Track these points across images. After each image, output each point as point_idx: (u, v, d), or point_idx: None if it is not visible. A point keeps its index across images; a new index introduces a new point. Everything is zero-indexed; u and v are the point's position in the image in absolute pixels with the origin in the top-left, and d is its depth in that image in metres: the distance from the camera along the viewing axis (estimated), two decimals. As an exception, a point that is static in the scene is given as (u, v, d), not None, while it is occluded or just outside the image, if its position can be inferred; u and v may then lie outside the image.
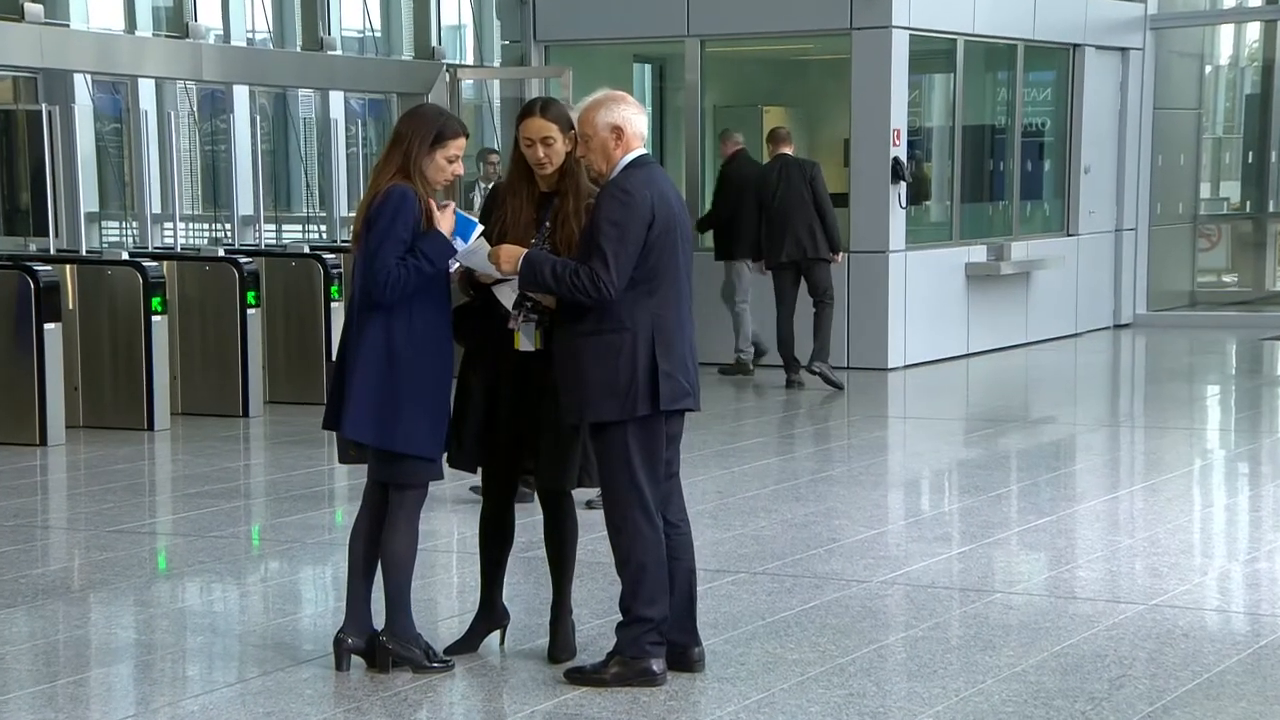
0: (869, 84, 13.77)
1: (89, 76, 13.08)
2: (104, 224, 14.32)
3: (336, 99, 15.03)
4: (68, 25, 12.77)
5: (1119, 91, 16.97)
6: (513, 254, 5.21)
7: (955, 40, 14.71)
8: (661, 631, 5.30)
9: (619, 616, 5.37)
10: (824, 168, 12.79)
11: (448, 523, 7.86)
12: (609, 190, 5.15)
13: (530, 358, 5.39)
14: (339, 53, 14.42)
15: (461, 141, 5.37)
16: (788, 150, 12.68)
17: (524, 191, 5.44)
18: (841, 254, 12.64)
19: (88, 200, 12.86)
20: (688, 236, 5.31)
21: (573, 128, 5.35)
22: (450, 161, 5.35)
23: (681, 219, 5.27)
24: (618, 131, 5.18)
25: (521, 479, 5.74)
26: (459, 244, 5.34)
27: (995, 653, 5.73)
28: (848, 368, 13.72)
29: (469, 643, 5.69)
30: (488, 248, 5.29)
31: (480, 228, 5.39)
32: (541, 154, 5.36)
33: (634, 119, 5.21)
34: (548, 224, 5.39)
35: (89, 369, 10.84)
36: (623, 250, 5.08)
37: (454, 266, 5.36)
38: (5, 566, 7.08)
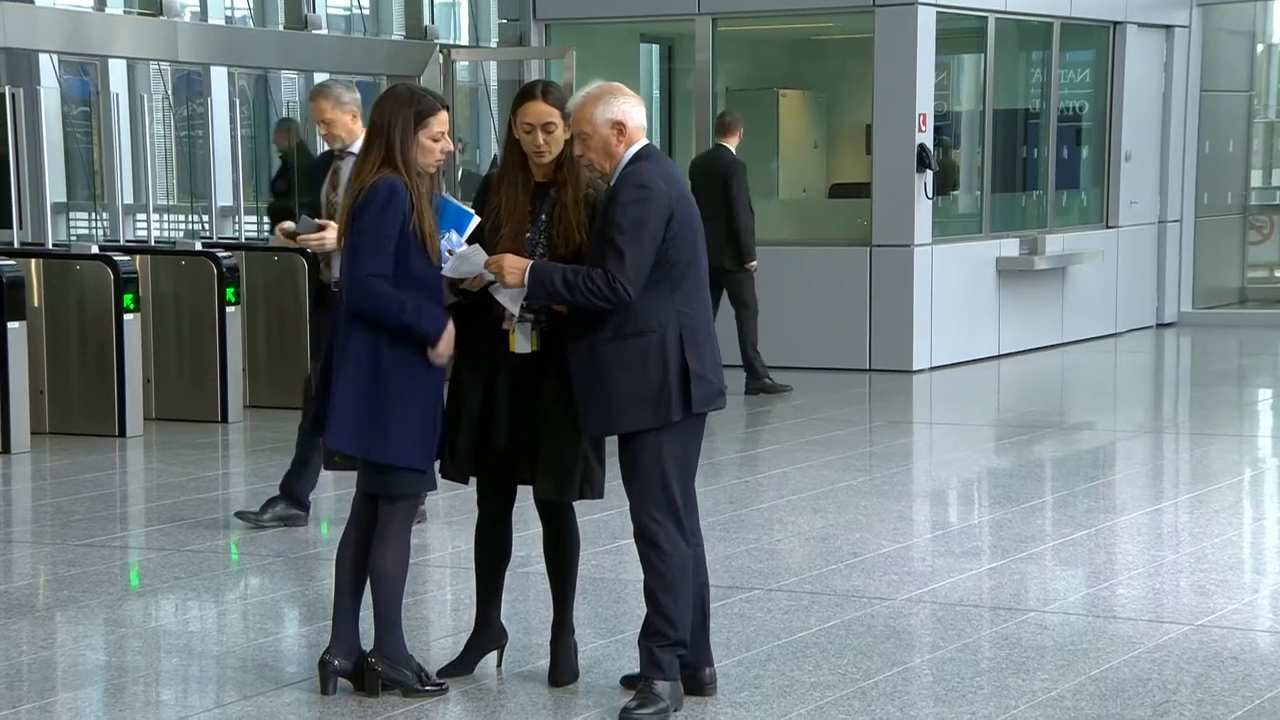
0: (893, 65, 13.78)
1: (55, 57, 13.11)
2: (72, 215, 14.35)
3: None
4: (32, 1, 12.79)
5: (1163, 72, 16.97)
6: (516, 265, 5.20)
7: (986, 18, 14.72)
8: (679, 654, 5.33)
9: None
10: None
11: (441, 536, 7.87)
12: (623, 185, 5.17)
13: (528, 360, 5.40)
14: (324, 32, 14.44)
15: (443, 116, 5.38)
16: (726, 141, 12.35)
17: (518, 181, 5.44)
18: (755, 263, 12.28)
19: (54, 190, 12.89)
20: (700, 229, 5.33)
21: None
22: (436, 140, 5.36)
23: (696, 211, 5.30)
24: (619, 127, 5.20)
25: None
26: (453, 238, 5.35)
27: (1029, 676, 5.73)
28: (869, 370, 13.74)
29: (464, 664, 5.70)
30: (483, 254, 5.29)
31: (476, 219, 5.40)
32: (541, 141, 5.37)
33: (634, 111, 5.24)
34: (544, 216, 5.40)
35: (56, 371, 10.86)
36: (640, 249, 5.10)
37: (443, 270, 5.36)
38: (-34, 583, 7.10)
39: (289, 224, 7.72)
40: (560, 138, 5.37)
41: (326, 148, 7.95)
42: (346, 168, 7.67)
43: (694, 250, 5.25)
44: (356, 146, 7.59)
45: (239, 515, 8.09)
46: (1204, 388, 13.77)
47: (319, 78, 14.87)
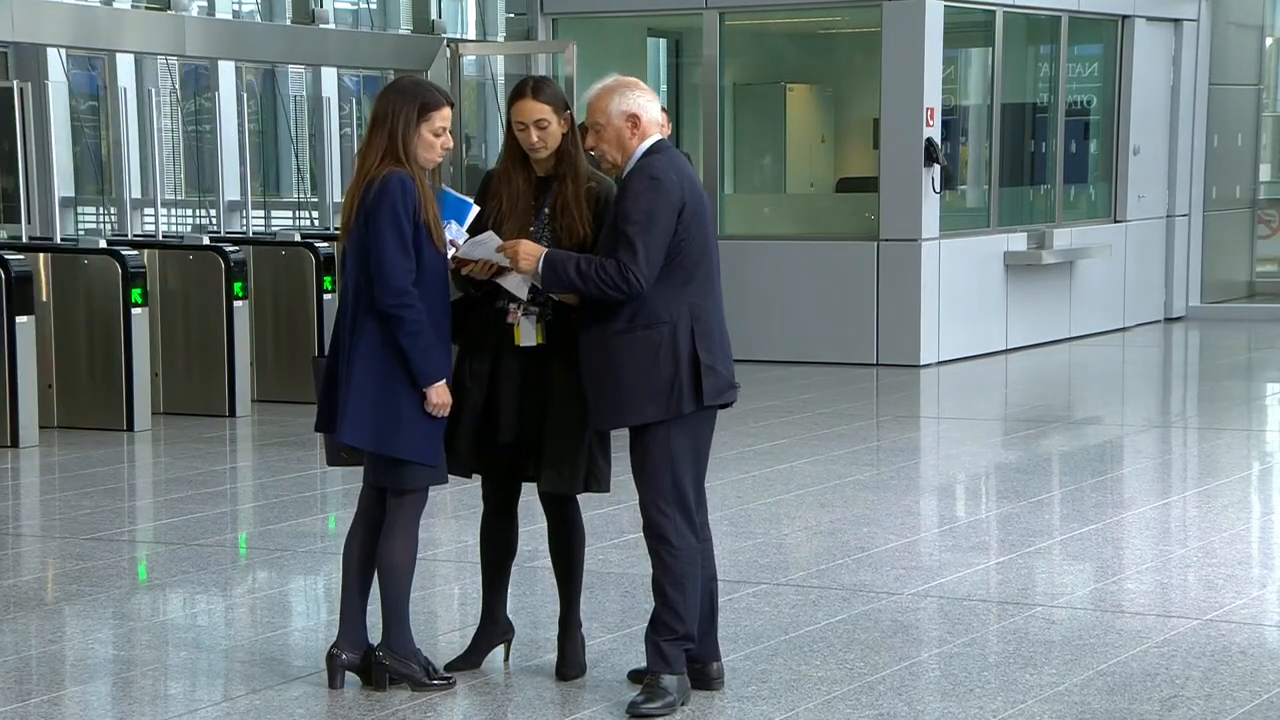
0: (901, 59, 13.76)
1: (63, 51, 13.12)
2: (80, 210, 14.36)
3: (329, 76, 15.06)
4: (41, -4, 12.80)
5: (1171, 66, 16.95)
6: (531, 252, 5.22)
7: (994, 11, 14.70)
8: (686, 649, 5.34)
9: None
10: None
11: (447, 530, 7.88)
12: (635, 177, 5.19)
13: (532, 354, 5.40)
14: (332, 26, 14.44)
15: (447, 112, 5.37)
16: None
17: (519, 177, 5.45)
18: None
19: (62, 184, 12.89)
20: (712, 221, 5.36)
21: (568, 108, 5.39)
22: (438, 135, 5.36)
23: (707, 203, 5.32)
24: (634, 120, 5.22)
25: None
26: (454, 228, 5.36)
27: (1036, 671, 5.73)
28: (877, 365, 13.74)
29: (471, 658, 5.71)
30: (496, 239, 5.31)
31: (476, 209, 5.42)
32: (535, 138, 5.38)
33: (649, 106, 5.26)
34: (546, 210, 5.41)
35: (64, 365, 10.87)
36: (653, 240, 5.11)
37: (451, 253, 5.38)
38: (-26, 577, 7.12)
39: None
40: (555, 133, 5.38)
41: None
42: None
43: (705, 242, 5.27)
44: None
45: None
46: (1212, 382, 13.76)
47: (326, 72, 14.92)
